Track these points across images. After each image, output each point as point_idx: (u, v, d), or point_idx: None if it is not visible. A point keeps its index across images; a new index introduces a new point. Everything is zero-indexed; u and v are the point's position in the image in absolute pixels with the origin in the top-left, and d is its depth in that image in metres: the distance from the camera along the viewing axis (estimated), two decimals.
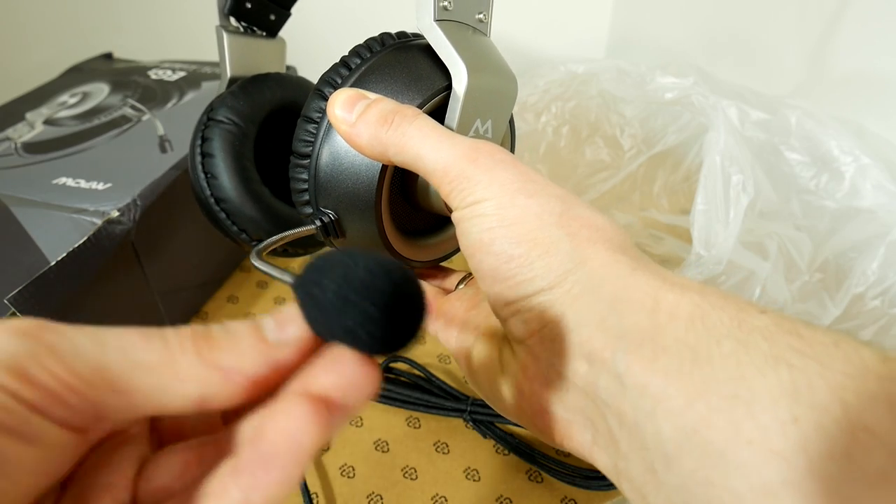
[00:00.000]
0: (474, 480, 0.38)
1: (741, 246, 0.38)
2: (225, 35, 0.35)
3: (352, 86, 0.25)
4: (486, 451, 0.39)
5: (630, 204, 0.54)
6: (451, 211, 0.26)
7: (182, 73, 0.60)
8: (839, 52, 0.47)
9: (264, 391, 0.15)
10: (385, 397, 0.42)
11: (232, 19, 0.36)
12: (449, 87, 0.25)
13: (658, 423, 0.16)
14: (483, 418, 0.39)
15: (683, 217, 0.52)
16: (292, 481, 0.14)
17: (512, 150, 0.31)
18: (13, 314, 0.34)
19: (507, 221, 0.20)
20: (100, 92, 0.58)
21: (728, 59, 0.56)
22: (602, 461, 0.19)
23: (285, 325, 0.16)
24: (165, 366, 0.14)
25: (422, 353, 0.46)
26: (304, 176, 0.26)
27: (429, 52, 0.26)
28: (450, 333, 0.26)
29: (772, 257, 0.39)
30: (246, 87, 0.35)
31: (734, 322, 0.17)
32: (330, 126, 0.25)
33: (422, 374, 0.42)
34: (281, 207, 0.34)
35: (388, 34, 0.27)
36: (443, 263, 0.32)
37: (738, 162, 0.39)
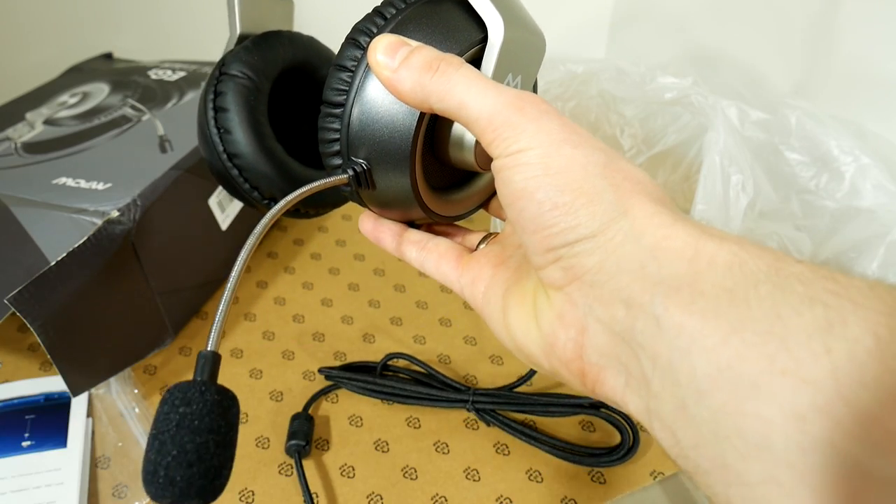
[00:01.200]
0: (474, 480, 0.38)
1: None
2: None
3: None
4: (486, 451, 0.39)
5: None
6: (482, 165, 0.27)
7: (182, 73, 0.60)
8: (839, 52, 0.47)
9: None
10: (386, 394, 0.42)
11: None
12: (484, 40, 0.25)
13: (693, 361, 0.17)
14: (486, 407, 0.40)
15: None
16: None
17: None
18: (13, 314, 0.34)
19: (552, 170, 0.20)
20: (100, 92, 0.58)
21: (728, 60, 0.56)
22: (634, 404, 0.20)
23: None
24: None
25: (421, 351, 0.46)
26: (336, 125, 0.26)
27: (461, 5, 0.26)
28: (476, 289, 0.26)
29: None
30: (259, 43, 0.34)
31: (772, 269, 0.17)
32: (365, 75, 0.25)
33: (422, 370, 0.43)
34: (294, 165, 0.34)
35: None
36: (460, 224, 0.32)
37: (738, 162, 0.39)
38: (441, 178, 0.29)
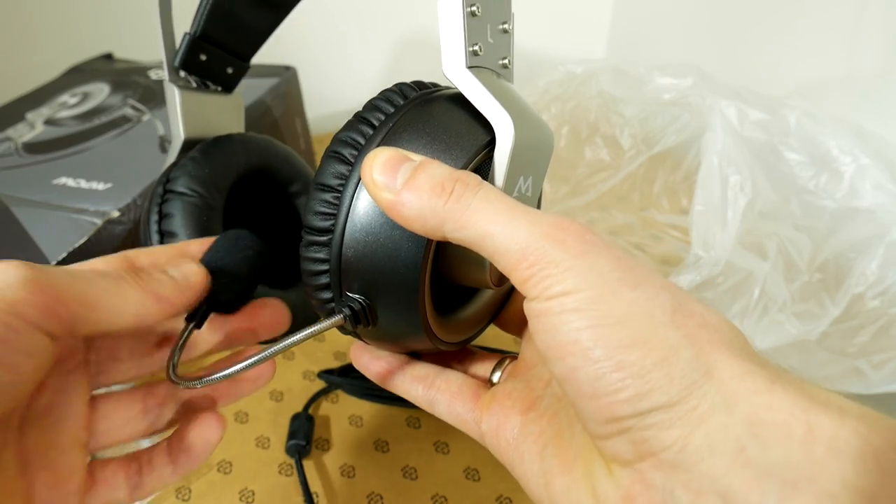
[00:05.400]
0: (474, 480, 0.38)
1: (740, 246, 0.38)
2: (176, 91, 0.31)
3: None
4: (486, 451, 0.39)
5: (630, 204, 0.54)
6: (496, 283, 0.24)
7: None
8: (839, 52, 0.47)
9: (177, 312, 0.23)
10: (385, 397, 0.42)
11: (183, 73, 0.32)
12: (491, 143, 0.22)
13: None
14: None
15: (683, 217, 0.52)
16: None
17: (539, 206, 0.28)
18: None
19: (609, 319, 0.16)
20: (100, 92, 0.58)
21: (728, 60, 0.56)
22: None
23: (184, 269, 0.24)
24: (117, 290, 0.21)
25: None
26: (323, 255, 0.22)
27: (459, 103, 0.23)
28: (503, 439, 0.22)
29: (771, 257, 0.39)
30: (207, 152, 0.31)
31: None
32: (356, 194, 0.21)
33: None
34: (258, 291, 0.30)
35: (405, 85, 0.24)
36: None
37: (736, 163, 0.39)
38: (446, 298, 0.25)
